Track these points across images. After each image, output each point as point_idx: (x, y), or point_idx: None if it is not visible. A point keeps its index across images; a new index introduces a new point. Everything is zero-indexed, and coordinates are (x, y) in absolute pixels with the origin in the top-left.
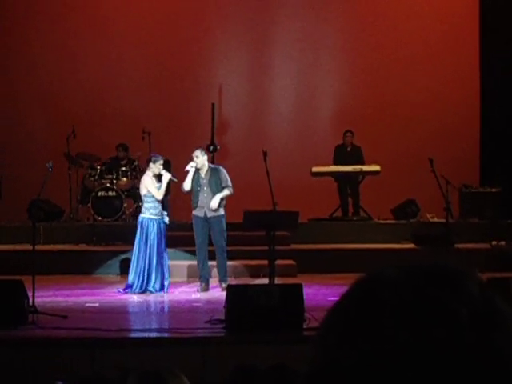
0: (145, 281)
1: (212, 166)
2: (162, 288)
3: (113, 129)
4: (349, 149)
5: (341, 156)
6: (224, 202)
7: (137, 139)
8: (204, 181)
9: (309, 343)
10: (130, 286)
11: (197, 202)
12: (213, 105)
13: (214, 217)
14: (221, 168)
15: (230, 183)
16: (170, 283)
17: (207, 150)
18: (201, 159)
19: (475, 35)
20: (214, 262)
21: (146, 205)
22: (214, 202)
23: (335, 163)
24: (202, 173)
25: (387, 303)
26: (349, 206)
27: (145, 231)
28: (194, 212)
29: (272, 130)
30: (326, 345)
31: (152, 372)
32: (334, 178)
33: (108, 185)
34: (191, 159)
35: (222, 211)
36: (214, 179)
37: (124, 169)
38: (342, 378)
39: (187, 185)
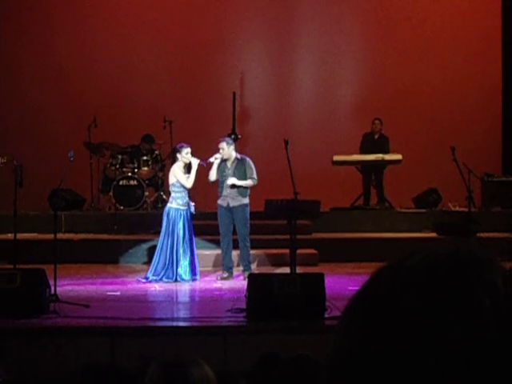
0: (174, 270)
1: (239, 156)
2: (193, 277)
3: (134, 118)
4: (376, 137)
5: (368, 144)
6: (248, 192)
7: (158, 128)
8: (229, 171)
9: (331, 332)
10: (149, 276)
11: (221, 192)
12: (234, 93)
13: (237, 206)
14: (247, 159)
15: (255, 175)
16: (200, 271)
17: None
18: (226, 151)
19: (497, 19)
20: (238, 251)
21: (173, 194)
22: (232, 180)
23: (362, 151)
24: (228, 163)
25: (409, 290)
26: (371, 195)
27: (171, 221)
28: (218, 201)
29: (293, 118)
30: (347, 332)
31: (174, 360)
32: (360, 167)
33: (129, 174)
34: (217, 150)
35: (245, 200)
36: (239, 170)
37: (145, 158)
38: (364, 364)
39: (212, 176)
